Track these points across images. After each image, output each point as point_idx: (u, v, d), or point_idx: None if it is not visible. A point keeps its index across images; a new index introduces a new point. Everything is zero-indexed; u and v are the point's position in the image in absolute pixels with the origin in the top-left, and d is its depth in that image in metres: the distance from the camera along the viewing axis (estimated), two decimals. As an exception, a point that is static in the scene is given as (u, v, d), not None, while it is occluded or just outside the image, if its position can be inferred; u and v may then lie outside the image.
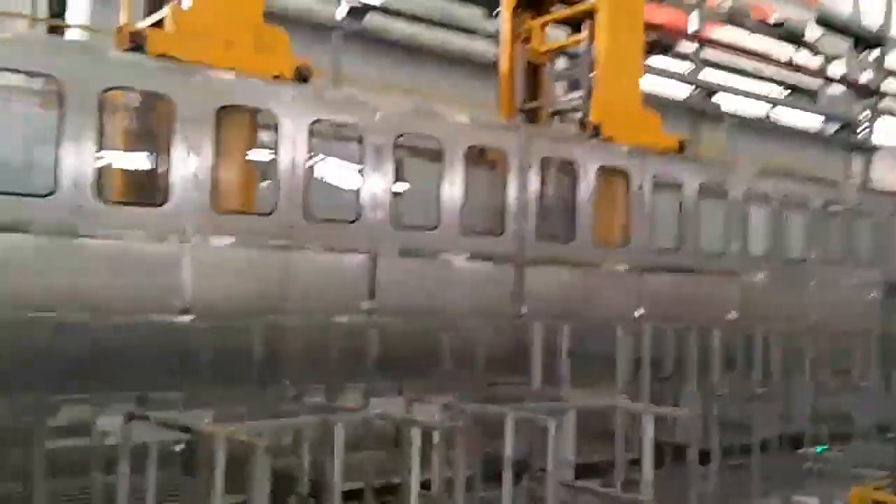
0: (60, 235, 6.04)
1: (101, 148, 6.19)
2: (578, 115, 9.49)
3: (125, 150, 7.29)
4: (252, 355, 6.22)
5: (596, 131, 9.16)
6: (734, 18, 18.74)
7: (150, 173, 7.16)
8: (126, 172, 7.29)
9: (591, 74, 9.50)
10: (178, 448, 4.68)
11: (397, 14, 13.86)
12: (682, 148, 10.12)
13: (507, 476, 4.70)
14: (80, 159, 6.07)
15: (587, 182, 8.97)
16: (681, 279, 9.74)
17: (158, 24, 7.00)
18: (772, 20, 19.50)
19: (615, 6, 9.47)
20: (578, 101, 9.66)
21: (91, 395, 5.17)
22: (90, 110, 6.09)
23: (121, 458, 4.14)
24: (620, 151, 9.40)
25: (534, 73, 9.86)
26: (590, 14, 9.53)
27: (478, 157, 8.42)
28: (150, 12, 7.31)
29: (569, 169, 8.95)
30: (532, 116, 9.83)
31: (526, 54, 9.67)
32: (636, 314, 9.17)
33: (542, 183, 8.67)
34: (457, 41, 14.38)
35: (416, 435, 4.51)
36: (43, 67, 6.18)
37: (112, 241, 6.25)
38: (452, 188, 7.97)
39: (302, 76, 7.16)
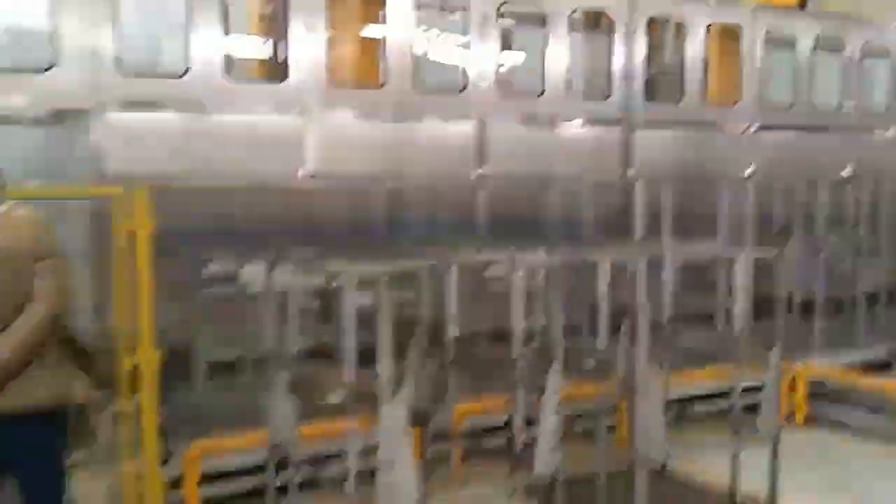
0: (193, 112, 6.71)
1: (227, 31, 6.74)
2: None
3: (251, 33, 7.83)
4: (372, 219, 6.77)
5: None
6: None
7: (273, 53, 7.68)
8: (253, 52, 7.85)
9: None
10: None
11: None
12: (802, 5, 9.87)
13: (604, 311, 5.13)
14: (208, 42, 6.65)
15: (696, 41, 8.95)
16: (794, 137, 9.69)
17: None
18: None
19: None
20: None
21: (232, 253, 5.87)
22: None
23: (264, 301, 4.82)
24: (730, 8, 9.27)
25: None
26: None
27: (583, 20, 8.53)
28: None
29: (677, 28, 8.94)
30: None
31: None
32: (746, 173, 9.25)
33: (650, 43, 8.73)
34: None
35: (519, 276, 4.98)
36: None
37: (240, 117, 6.90)
38: (558, 53, 8.17)
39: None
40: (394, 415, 4.02)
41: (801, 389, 7.16)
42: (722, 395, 6.78)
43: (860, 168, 9.82)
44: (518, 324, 5.04)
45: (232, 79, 6.83)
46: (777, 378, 5.36)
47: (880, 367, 7.95)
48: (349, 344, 4.29)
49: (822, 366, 7.53)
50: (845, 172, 9.85)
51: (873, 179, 8.80)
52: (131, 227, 4.81)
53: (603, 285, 5.10)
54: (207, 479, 5.33)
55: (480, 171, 7.91)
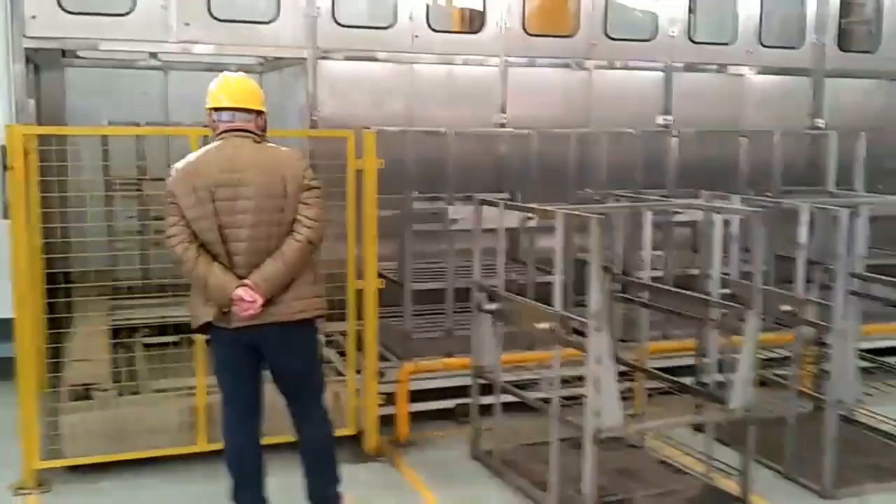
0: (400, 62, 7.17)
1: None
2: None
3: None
4: (565, 163, 7.01)
5: None
6: None
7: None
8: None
9: None
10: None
11: None
12: None
13: (801, 260, 5.24)
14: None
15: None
16: None
17: None
18: None
19: None
20: None
21: (438, 192, 6.33)
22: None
23: (474, 238, 5.23)
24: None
25: None
26: None
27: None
28: None
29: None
30: None
31: None
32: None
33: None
34: None
35: (717, 221, 5.15)
36: None
37: (441, 66, 7.31)
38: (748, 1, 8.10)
39: None
40: (600, 341, 4.33)
41: None
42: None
43: None
44: (716, 269, 5.23)
45: (435, 30, 7.23)
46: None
47: None
48: (560, 279, 4.62)
49: None
50: None
51: None
52: (359, 166, 5.31)
53: (802, 234, 5.20)
54: (417, 396, 5.86)
55: (664, 118, 8.02)
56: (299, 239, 4.02)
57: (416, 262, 6.21)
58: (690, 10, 8.01)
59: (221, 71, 4.34)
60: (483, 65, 7.42)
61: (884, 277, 5.34)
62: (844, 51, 8.59)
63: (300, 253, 4.03)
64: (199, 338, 4.98)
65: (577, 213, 4.60)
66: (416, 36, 7.15)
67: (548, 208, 4.80)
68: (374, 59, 7.11)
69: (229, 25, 6.69)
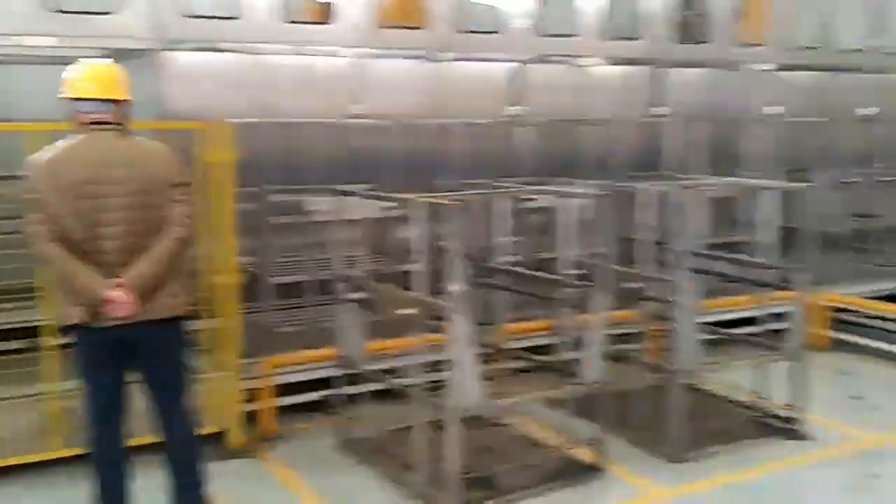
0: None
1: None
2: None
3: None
4: (420, 154, 7.13)
5: None
6: None
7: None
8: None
9: None
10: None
11: None
12: None
13: (646, 240, 5.56)
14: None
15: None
16: (818, 77, 9.94)
17: None
18: None
19: None
20: None
21: (296, 185, 6.31)
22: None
23: (335, 229, 5.26)
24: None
25: None
26: None
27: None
28: None
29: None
30: None
31: None
32: (770, 111, 9.54)
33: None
34: None
35: (568, 205, 5.39)
36: None
37: (294, 57, 7.26)
38: (592, -5, 8.45)
39: None
40: (461, 325, 4.46)
41: (824, 316, 7.59)
42: (750, 320, 7.27)
43: (883, 107, 10.10)
44: (566, 251, 5.47)
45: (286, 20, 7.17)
46: (803, 303, 5.78)
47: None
48: (421, 266, 4.73)
49: (846, 296, 7.95)
50: (868, 111, 10.13)
51: (893, 119, 9.09)
52: (213, 159, 5.24)
53: (646, 216, 5.51)
54: (281, 390, 5.84)
55: (515, 109, 8.26)
56: (173, 237, 3.97)
57: (280, 255, 6.18)
58: (538, 3, 8.26)
59: (65, 65, 4.18)
60: (336, 56, 7.43)
61: (720, 255, 5.74)
62: (683, 42, 9.09)
63: (173, 251, 3.97)
64: (52, 342, 4.79)
65: (435, 201, 4.72)
66: (268, 26, 7.08)
67: (407, 197, 4.89)
68: (225, 50, 6.99)
69: (69, 16, 6.42)
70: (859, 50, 10.19)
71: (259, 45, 7.06)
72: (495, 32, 8.12)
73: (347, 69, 7.48)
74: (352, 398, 5.54)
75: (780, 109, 9.53)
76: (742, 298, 6.93)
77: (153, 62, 6.70)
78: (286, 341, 6.00)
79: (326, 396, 5.87)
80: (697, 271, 5.62)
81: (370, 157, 7.31)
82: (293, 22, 7.33)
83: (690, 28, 9.42)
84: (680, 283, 5.40)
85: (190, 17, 6.81)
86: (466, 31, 7.92)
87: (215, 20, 7.05)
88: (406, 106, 7.70)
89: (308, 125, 6.36)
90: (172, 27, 6.73)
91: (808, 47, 9.84)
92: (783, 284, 5.91)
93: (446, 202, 4.56)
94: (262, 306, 6.02)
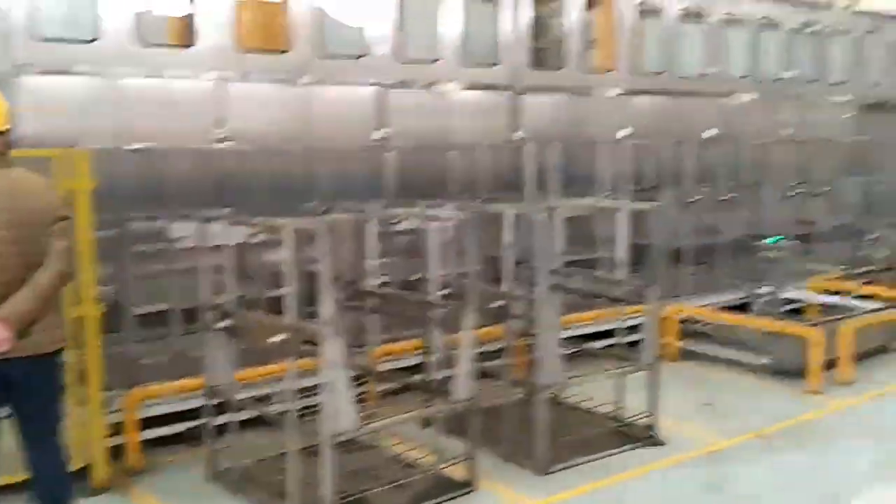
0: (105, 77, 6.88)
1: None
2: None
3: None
4: (285, 178, 7.12)
5: None
6: None
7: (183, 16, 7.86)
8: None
9: None
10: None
11: None
12: None
13: (508, 258, 5.76)
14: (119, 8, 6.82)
15: (576, 10, 9.63)
16: (663, 101, 10.55)
17: None
18: None
19: None
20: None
21: (158, 211, 6.18)
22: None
23: (201, 257, 5.18)
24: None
25: None
26: None
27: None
28: None
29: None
30: None
31: None
32: (621, 134, 10.05)
33: (535, 13, 9.34)
34: None
35: (434, 227, 5.51)
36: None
37: (153, 81, 7.11)
38: (451, 22, 8.68)
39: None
40: (333, 348, 4.51)
41: (674, 327, 8.04)
42: (609, 333, 7.62)
43: (722, 130, 10.81)
44: (434, 272, 5.60)
45: (143, 44, 7.03)
46: (655, 316, 6.13)
47: (740, 307, 8.95)
48: (291, 291, 4.73)
49: (694, 307, 8.45)
50: (709, 133, 10.83)
51: (733, 140, 9.76)
52: (71, 187, 5.08)
53: (508, 236, 5.71)
54: (148, 423, 5.69)
55: (379, 133, 8.38)
56: (53, 272, 3.86)
57: (143, 284, 6.03)
58: (398, 29, 8.41)
59: None
60: (196, 80, 7.33)
61: (579, 271, 6.02)
62: (538, 69, 9.45)
63: (53, 286, 3.88)
64: None
65: (304, 225, 4.75)
66: (124, 49, 6.91)
67: (276, 222, 4.89)
68: (79, 74, 6.78)
69: None
70: (701, 76, 10.90)
71: (116, 69, 6.89)
72: (357, 57, 8.22)
73: (209, 93, 7.40)
74: (222, 428, 5.46)
75: (628, 132, 10.07)
76: (600, 312, 7.26)
77: (2, 87, 6.43)
78: (152, 372, 5.86)
79: (195, 427, 5.75)
80: (558, 288, 5.86)
81: (235, 181, 7.23)
82: (152, 45, 7.19)
83: (545, 55, 9.82)
84: (541, 300, 5.62)
85: (41, 40, 6.58)
86: (328, 56, 8.00)
87: (69, 43, 6.84)
88: (270, 130, 7.67)
89: (170, 150, 6.24)
90: (22, 50, 6.49)
91: (654, 73, 10.44)
92: (636, 298, 6.25)
93: (313, 226, 4.60)
94: (125, 337, 5.85)
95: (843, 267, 9.90)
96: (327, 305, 4.49)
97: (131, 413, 5.54)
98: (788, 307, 9.05)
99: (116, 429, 5.49)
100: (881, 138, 12.69)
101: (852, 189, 10.10)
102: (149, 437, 5.74)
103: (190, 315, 5.72)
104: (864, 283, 9.12)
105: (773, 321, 7.65)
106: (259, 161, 6.95)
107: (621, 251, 6.09)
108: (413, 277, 6.44)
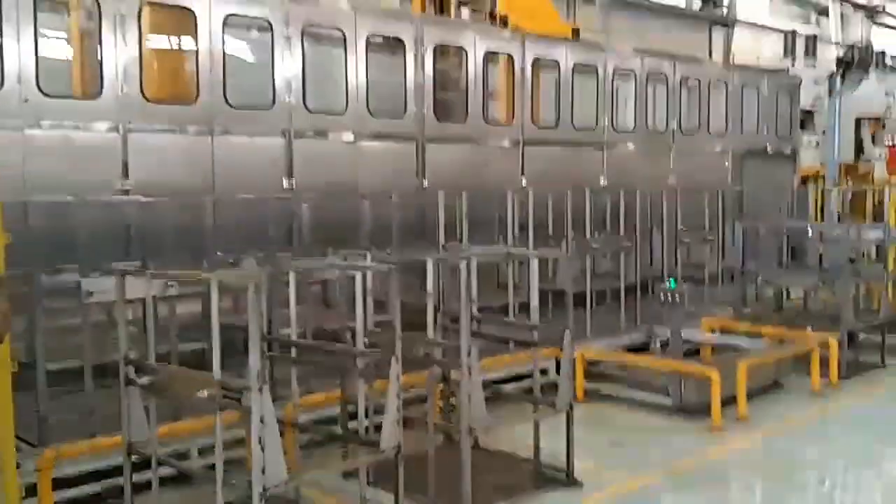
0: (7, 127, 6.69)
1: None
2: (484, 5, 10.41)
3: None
4: (194, 229, 7.05)
5: (504, 21, 10.15)
6: None
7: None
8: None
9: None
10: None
11: None
12: (576, 34, 11.19)
13: (430, 305, 5.84)
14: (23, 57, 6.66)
15: (475, 65, 9.96)
16: (558, 152, 10.96)
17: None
18: None
19: None
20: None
21: (64, 264, 6.00)
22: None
23: (117, 311, 5.06)
24: (504, 36, 10.36)
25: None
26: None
27: (378, 45, 9.24)
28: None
29: (460, 53, 9.89)
30: (441, 6, 10.69)
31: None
32: (521, 183, 10.38)
33: (438, 66, 9.61)
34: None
35: (359, 278, 5.54)
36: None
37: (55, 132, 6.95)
38: (358, 74, 8.83)
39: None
40: (263, 402, 4.47)
41: (581, 369, 8.27)
42: (517, 377, 7.79)
43: (614, 177, 11.30)
44: (359, 322, 5.61)
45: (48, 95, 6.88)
46: (570, 359, 6.31)
47: (640, 348, 9.29)
48: (216, 345, 4.67)
49: (598, 350, 8.71)
50: (601, 182, 11.30)
51: (624, 188, 10.20)
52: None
53: (430, 284, 5.81)
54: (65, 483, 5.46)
55: (288, 182, 8.40)
56: None
57: (56, 339, 5.83)
58: (304, 81, 8.49)
59: None
60: (101, 131, 7.20)
61: (494, 317, 6.16)
62: (440, 120, 9.69)
63: None
64: None
65: (231, 278, 4.72)
66: (26, 100, 6.75)
67: (201, 275, 4.84)
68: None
69: None
70: (590, 128, 11.39)
71: (17, 120, 6.71)
72: (265, 108, 8.25)
73: (116, 144, 7.28)
74: (139, 486, 5.29)
75: (523, 182, 10.40)
76: (514, 356, 7.42)
77: None
78: (66, 430, 5.64)
79: (111, 486, 5.56)
80: (475, 334, 5.98)
81: (147, 233, 7.12)
82: (57, 97, 7.03)
83: (447, 108, 10.08)
84: (461, 347, 5.72)
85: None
86: (237, 107, 7.99)
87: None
88: (177, 181, 7.59)
89: (76, 203, 6.10)
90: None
91: (547, 126, 10.86)
92: (546, 342, 6.44)
93: (231, 278, 4.58)
94: (37, 394, 5.63)
95: (730, 308, 10.42)
96: (253, 358, 4.45)
97: (45, 473, 5.31)
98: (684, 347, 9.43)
99: (32, 491, 5.23)
100: (758, 183, 13.53)
101: (737, 233, 10.67)
102: (64, 497, 5.49)
103: (103, 370, 5.55)
104: (751, 323, 9.62)
105: (675, 361, 7.97)
106: (167, 212, 6.87)
107: (534, 297, 6.27)
108: (332, 327, 6.45)
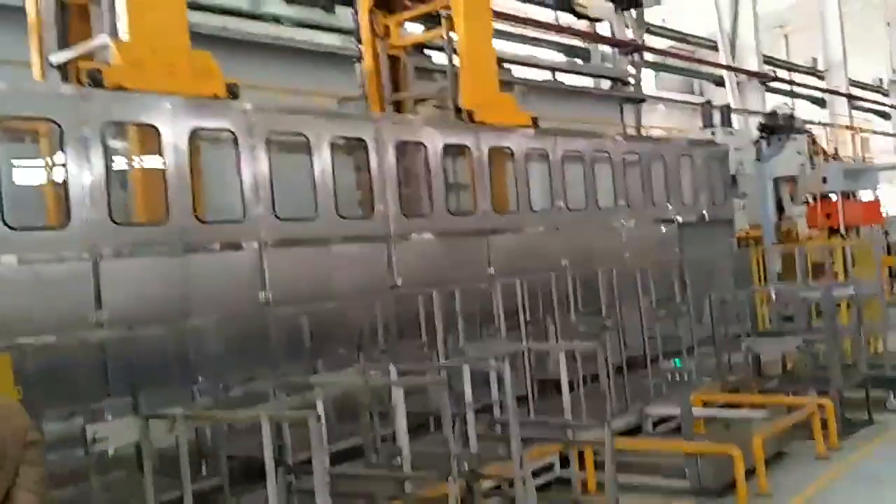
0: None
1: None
2: (440, 101, 10.48)
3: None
4: (177, 357, 6.62)
5: (470, 116, 10.22)
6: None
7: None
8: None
9: (454, 64, 10.42)
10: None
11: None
12: (535, 123, 11.30)
13: (470, 414, 5.53)
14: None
15: (436, 160, 9.85)
16: (517, 238, 10.86)
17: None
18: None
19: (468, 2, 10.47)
20: (440, 89, 10.69)
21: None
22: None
23: (146, 457, 4.58)
24: (456, 130, 10.34)
25: (394, 65, 10.71)
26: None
27: (342, 148, 9.06)
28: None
29: (420, 149, 9.78)
30: (399, 106, 10.71)
31: (386, 50, 10.52)
32: (490, 272, 10.21)
33: (401, 164, 9.46)
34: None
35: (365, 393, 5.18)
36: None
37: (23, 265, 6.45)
38: (324, 178, 8.59)
39: (233, 93, 7.80)
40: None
41: (590, 460, 7.97)
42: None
43: (575, 258, 11.25)
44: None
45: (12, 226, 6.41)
46: (612, 456, 6.03)
47: (633, 431, 9.08)
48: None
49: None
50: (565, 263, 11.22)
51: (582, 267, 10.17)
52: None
53: (468, 393, 5.50)
54: None
55: (264, 294, 8.02)
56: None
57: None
58: (272, 188, 8.19)
59: None
60: (70, 261, 6.74)
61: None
62: (406, 216, 9.48)
63: None
64: None
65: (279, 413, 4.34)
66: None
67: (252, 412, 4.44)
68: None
69: None
70: (547, 211, 11.35)
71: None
72: (236, 222, 7.89)
73: (85, 273, 6.79)
74: None
75: (492, 271, 10.24)
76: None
77: None
78: None
79: None
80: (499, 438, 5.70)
81: (128, 365, 6.59)
82: (22, 229, 6.55)
83: (413, 202, 9.92)
84: (512, 455, 5.44)
85: None
86: (207, 222, 7.63)
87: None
88: (152, 305, 7.12)
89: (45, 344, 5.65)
90: None
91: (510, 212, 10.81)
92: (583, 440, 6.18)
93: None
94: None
95: (708, 379, 10.38)
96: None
97: None
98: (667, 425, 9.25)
99: None
100: (699, 251, 13.66)
101: (703, 303, 10.73)
102: None
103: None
104: (736, 392, 9.57)
105: (696, 442, 7.78)
106: (144, 341, 6.46)
107: (566, 392, 6.03)
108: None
